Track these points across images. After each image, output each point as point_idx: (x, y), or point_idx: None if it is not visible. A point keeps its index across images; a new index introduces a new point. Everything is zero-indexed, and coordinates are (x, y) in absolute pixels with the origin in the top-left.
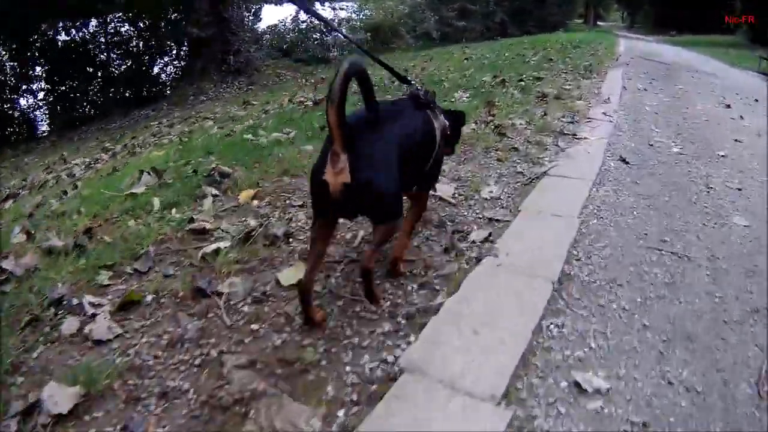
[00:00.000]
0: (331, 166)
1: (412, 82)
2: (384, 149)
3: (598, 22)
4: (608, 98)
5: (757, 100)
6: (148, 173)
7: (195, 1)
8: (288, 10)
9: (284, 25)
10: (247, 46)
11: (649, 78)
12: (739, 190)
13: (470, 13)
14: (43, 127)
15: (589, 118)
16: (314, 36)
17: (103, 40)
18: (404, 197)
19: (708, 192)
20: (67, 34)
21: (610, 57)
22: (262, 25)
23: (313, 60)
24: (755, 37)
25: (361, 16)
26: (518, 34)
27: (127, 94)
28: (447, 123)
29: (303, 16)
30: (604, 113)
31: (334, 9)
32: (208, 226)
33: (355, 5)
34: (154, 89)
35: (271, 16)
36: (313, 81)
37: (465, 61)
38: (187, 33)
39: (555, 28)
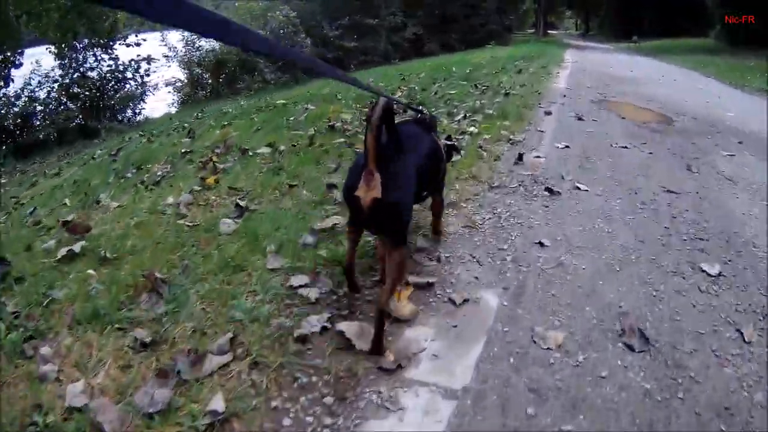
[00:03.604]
0: (365, 183)
1: (421, 108)
2: (407, 172)
3: (550, 31)
4: None
5: None
6: None
7: None
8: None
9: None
10: None
11: None
12: None
13: (367, 30)
14: None
15: None
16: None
17: None
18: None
19: None
20: None
21: (517, 126)
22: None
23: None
24: (734, 39)
25: (197, 50)
26: (439, 51)
27: None
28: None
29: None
30: None
31: (165, 42)
32: None
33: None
34: None
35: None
36: None
37: None
38: None
39: (489, 40)
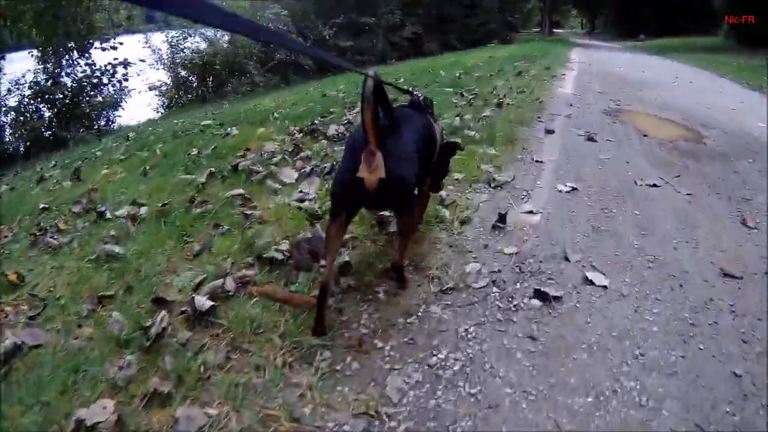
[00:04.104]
0: (366, 164)
1: (414, 91)
2: (407, 148)
3: (555, 30)
4: None
5: None
6: None
7: None
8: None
9: None
10: None
11: None
12: None
13: (363, 29)
14: None
15: None
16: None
17: None
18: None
19: None
20: None
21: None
22: None
23: None
24: (741, 38)
25: (182, 51)
26: (438, 51)
27: None
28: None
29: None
30: None
31: (149, 43)
32: None
33: (177, 34)
34: None
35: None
36: None
37: None
38: None
39: (491, 39)
